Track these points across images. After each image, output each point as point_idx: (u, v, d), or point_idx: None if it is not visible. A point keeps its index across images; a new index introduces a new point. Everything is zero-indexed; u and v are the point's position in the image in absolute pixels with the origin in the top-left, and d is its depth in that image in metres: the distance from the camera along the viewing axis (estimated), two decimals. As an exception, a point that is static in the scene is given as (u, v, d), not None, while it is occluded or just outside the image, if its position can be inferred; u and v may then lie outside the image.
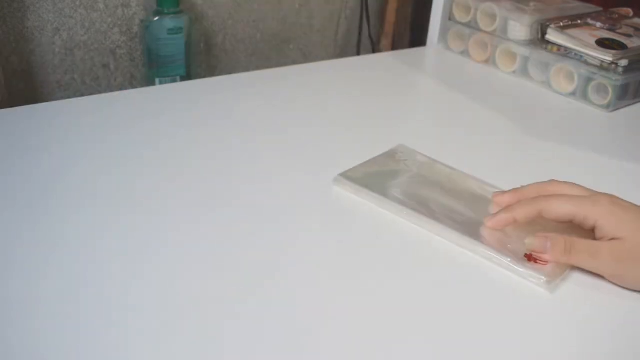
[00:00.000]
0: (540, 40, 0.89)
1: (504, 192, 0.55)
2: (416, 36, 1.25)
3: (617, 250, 0.48)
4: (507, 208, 0.52)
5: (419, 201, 0.57)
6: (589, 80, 0.84)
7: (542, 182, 0.54)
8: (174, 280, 0.46)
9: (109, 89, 0.96)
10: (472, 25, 0.98)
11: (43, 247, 0.49)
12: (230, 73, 1.02)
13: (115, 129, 0.69)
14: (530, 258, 0.50)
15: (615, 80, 0.81)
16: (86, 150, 0.64)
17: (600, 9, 1.00)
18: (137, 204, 0.55)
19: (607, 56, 0.82)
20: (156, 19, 0.89)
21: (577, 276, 0.50)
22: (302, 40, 1.16)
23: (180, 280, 0.47)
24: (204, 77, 1.02)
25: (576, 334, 0.45)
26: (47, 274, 0.46)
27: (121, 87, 0.97)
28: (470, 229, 0.53)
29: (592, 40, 0.84)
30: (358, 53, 1.23)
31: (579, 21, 0.91)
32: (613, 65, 0.82)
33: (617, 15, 0.96)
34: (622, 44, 0.84)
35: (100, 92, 0.95)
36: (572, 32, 0.87)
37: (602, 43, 0.84)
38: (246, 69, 1.10)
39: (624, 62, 0.81)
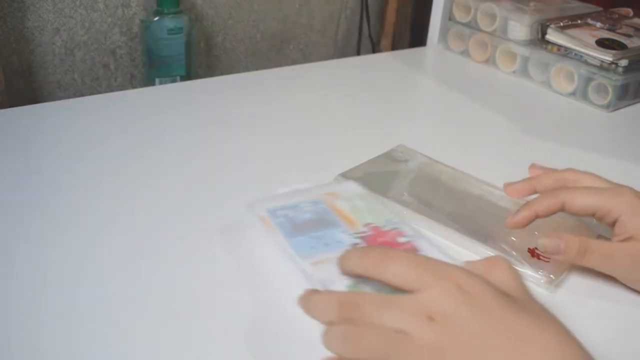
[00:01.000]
0: (540, 40, 0.89)
1: (516, 182, 0.52)
2: (416, 36, 1.25)
3: (634, 252, 0.46)
4: (527, 204, 0.49)
5: (419, 201, 0.57)
6: (589, 80, 0.84)
7: (559, 171, 0.52)
8: (174, 281, 0.46)
9: (109, 89, 0.96)
10: (472, 25, 0.98)
11: (43, 246, 0.49)
12: (230, 73, 1.02)
13: (115, 129, 0.69)
14: (533, 253, 0.49)
15: (615, 80, 0.81)
16: (86, 150, 0.64)
17: (600, 9, 1.00)
18: (137, 204, 0.55)
19: (607, 56, 0.82)
20: (156, 19, 0.89)
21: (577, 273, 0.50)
22: (302, 40, 1.16)
23: (180, 281, 0.47)
24: (204, 77, 1.02)
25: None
26: (47, 274, 0.46)
27: (121, 87, 0.97)
28: (470, 228, 0.53)
29: (592, 40, 0.84)
30: (358, 53, 1.23)
31: (579, 21, 0.91)
32: (613, 65, 0.82)
33: (617, 15, 0.96)
34: (622, 44, 0.84)
35: (100, 92, 0.95)
36: (572, 32, 0.87)
37: (602, 43, 0.84)
38: (246, 69, 1.10)
39: (624, 62, 0.81)
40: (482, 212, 0.55)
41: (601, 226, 0.50)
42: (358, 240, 0.48)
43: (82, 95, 0.93)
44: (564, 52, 0.86)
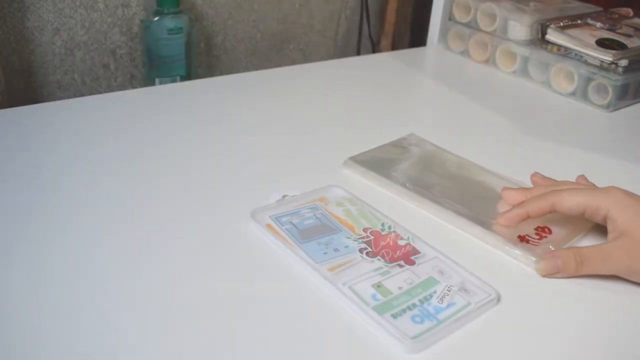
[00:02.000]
0: (540, 40, 0.89)
1: (513, 189, 0.56)
2: (416, 36, 1.25)
3: (629, 246, 0.47)
4: (520, 204, 0.52)
5: (419, 183, 0.59)
6: (589, 80, 0.84)
7: (553, 182, 0.55)
8: (175, 281, 0.46)
9: (109, 89, 0.96)
10: (472, 25, 0.98)
11: (43, 246, 0.49)
12: (230, 73, 1.02)
13: (115, 129, 0.69)
14: (523, 239, 0.52)
15: (615, 80, 0.81)
16: (86, 150, 0.64)
17: (600, 9, 1.00)
18: (137, 204, 0.55)
19: (607, 56, 0.82)
20: (156, 19, 0.89)
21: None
22: (302, 40, 1.16)
23: (181, 281, 0.47)
24: (204, 77, 1.02)
25: (572, 325, 0.45)
26: (47, 274, 0.46)
27: (121, 87, 0.97)
28: (465, 211, 0.55)
29: (592, 40, 0.84)
30: (358, 53, 1.23)
31: (579, 21, 0.91)
32: (613, 65, 0.82)
33: (617, 15, 0.96)
34: (622, 44, 0.84)
35: (100, 92, 0.95)
36: (572, 32, 0.87)
37: (602, 43, 0.84)
38: (246, 69, 1.10)
39: (624, 62, 0.81)
40: (480, 197, 0.58)
41: None
42: (364, 245, 0.50)
43: (82, 95, 0.93)
44: (564, 52, 0.86)
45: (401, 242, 0.51)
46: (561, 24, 0.89)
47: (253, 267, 0.48)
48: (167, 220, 0.53)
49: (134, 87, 0.98)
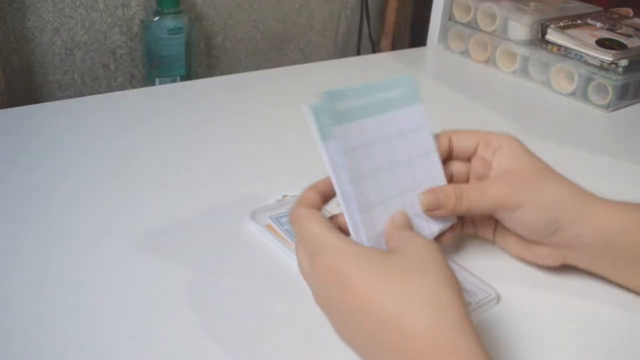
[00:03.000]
0: (540, 40, 0.89)
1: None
2: (416, 36, 1.25)
3: (512, 179, 0.45)
4: None
5: None
6: (589, 80, 0.84)
7: None
8: (174, 280, 0.46)
9: (109, 89, 0.96)
10: (472, 25, 0.98)
11: (43, 246, 0.49)
12: (230, 73, 1.02)
13: (115, 129, 0.69)
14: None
15: (615, 80, 0.81)
16: (86, 150, 0.64)
17: (600, 9, 1.00)
18: (137, 204, 0.55)
19: (607, 56, 0.82)
20: (156, 19, 0.89)
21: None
22: (302, 40, 1.16)
23: (181, 281, 0.47)
24: (204, 77, 1.02)
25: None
26: (47, 274, 0.46)
27: (121, 87, 0.97)
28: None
29: (592, 40, 0.84)
30: (358, 53, 1.23)
31: (579, 21, 0.91)
32: (613, 65, 0.82)
33: (617, 15, 0.96)
34: (622, 44, 0.84)
35: (100, 92, 0.95)
36: (572, 32, 0.87)
37: (602, 43, 0.84)
38: (246, 69, 1.10)
39: (624, 62, 0.81)
40: None
41: None
42: None
43: (82, 95, 0.93)
44: (564, 52, 0.86)
45: None
46: (561, 24, 0.89)
47: (252, 268, 0.48)
48: (167, 221, 0.53)
49: (134, 87, 0.98)
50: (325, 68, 0.95)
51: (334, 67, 0.96)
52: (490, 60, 0.96)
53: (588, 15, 0.94)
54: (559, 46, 0.87)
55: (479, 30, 0.97)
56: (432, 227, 0.46)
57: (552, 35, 0.88)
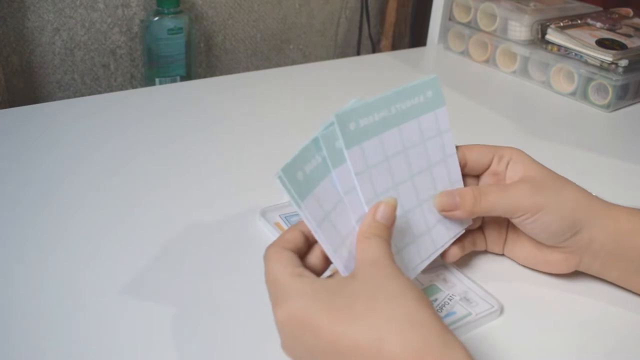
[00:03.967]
0: (540, 40, 0.89)
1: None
2: (416, 36, 1.25)
3: (531, 184, 0.45)
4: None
5: None
6: (589, 80, 0.84)
7: None
8: (174, 280, 0.46)
9: (109, 89, 0.96)
10: (472, 25, 0.98)
11: (43, 246, 0.49)
12: (230, 73, 1.02)
13: (115, 129, 0.69)
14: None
15: (615, 80, 0.81)
16: (87, 150, 0.64)
17: (600, 9, 1.00)
18: (137, 204, 0.55)
19: (607, 56, 0.82)
20: (156, 19, 0.89)
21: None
22: (302, 40, 1.16)
23: (180, 280, 0.47)
24: (204, 77, 1.02)
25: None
26: (47, 273, 0.46)
27: (121, 87, 0.97)
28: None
29: (592, 40, 0.84)
30: (358, 53, 1.23)
31: (579, 21, 0.91)
32: (613, 65, 0.82)
33: (617, 15, 0.96)
34: (622, 44, 0.84)
35: (100, 92, 0.95)
36: (572, 32, 0.87)
37: (602, 43, 0.84)
38: (246, 69, 1.10)
39: (624, 62, 0.81)
40: None
41: None
42: None
43: (82, 95, 0.93)
44: (564, 52, 0.86)
45: None
46: (561, 24, 0.89)
47: (259, 265, 0.48)
48: (167, 221, 0.53)
49: (134, 87, 0.98)
50: (325, 68, 0.95)
51: (334, 67, 0.96)
52: (490, 60, 0.96)
53: (588, 15, 0.94)
54: (559, 46, 0.87)
55: (479, 30, 0.97)
56: (450, 232, 0.46)
57: (552, 35, 0.88)
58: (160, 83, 0.92)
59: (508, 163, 0.47)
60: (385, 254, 0.37)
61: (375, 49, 1.24)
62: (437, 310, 0.44)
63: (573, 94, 0.87)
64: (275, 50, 1.13)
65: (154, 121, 0.71)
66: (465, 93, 0.86)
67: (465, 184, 0.49)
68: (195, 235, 0.52)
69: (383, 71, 0.94)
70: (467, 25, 0.99)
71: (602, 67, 0.83)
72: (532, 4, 0.95)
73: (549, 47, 0.88)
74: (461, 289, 0.47)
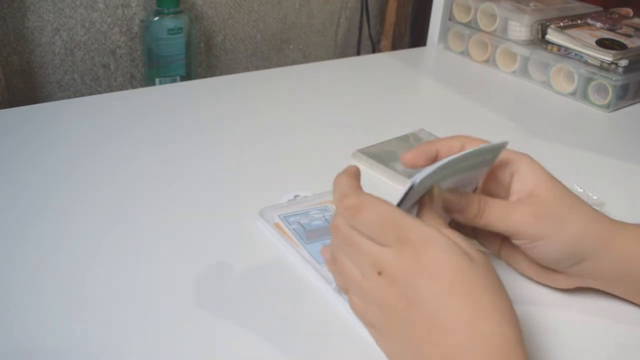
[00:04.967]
0: (540, 40, 0.89)
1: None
2: (416, 36, 1.25)
3: (537, 207, 0.43)
4: (429, 142, 0.47)
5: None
6: (589, 80, 0.84)
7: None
8: (173, 280, 0.46)
9: (109, 89, 0.96)
10: (472, 25, 0.98)
11: (43, 247, 0.49)
12: (230, 73, 1.02)
13: (115, 129, 0.69)
14: None
15: (615, 80, 0.81)
16: (86, 150, 0.64)
17: (600, 9, 1.00)
18: (137, 205, 0.55)
19: (607, 56, 0.82)
20: (156, 19, 0.89)
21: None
22: (302, 40, 1.16)
23: (180, 280, 0.47)
24: (204, 77, 1.02)
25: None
26: (47, 274, 0.46)
27: (121, 87, 0.97)
28: None
29: (592, 40, 0.84)
30: (358, 53, 1.23)
31: (579, 21, 0.91)
32: (613, 65, 0.82)
33: (617, 15, 0.96)
34: (622, 44, 0.84)
35: (100, 92, 0.95)
36: (572, 32, 0.87)
37: (602, 43, 0.84)
38: (246, 69, 1.10)
39: (624, 62, 0.81)
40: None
41: None
42: None
43: (82, 95, 0.93)
44: (564, 52, 0.86)
45: None
46: (561, 24, 0.89)
47: (257, 265, 0.48)
48: (167, 221, 0.53)
49: (134, 87, 0.98)
50: (325, 68, 0.95)
51: (334, 67, 0.96)
52: (490, 60, 0.96)
53: (588, 15, 0.94)
54: (559, 46, 0.87)
55: (479, 30, 0.97)
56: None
57: (552, 35, 0.88)
58: (160, 83, 0.92)
59: (513, 174, 0.45)
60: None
61: (375, 49, 1.24)
62: None
63: (573, 94, 0.87)
64: (275, 50, 1.13)
65: (154, 121, 0.71)
66: (465, 93, 0.86)
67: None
68: (195, 235, 0.52)
69: (383, 71, 0.94)
70: (467, 25, 0.99)
71: (602, 67, 0.83)
72: (532, 4, 0.95)
73: (549, 47, 0.88)
74: None
